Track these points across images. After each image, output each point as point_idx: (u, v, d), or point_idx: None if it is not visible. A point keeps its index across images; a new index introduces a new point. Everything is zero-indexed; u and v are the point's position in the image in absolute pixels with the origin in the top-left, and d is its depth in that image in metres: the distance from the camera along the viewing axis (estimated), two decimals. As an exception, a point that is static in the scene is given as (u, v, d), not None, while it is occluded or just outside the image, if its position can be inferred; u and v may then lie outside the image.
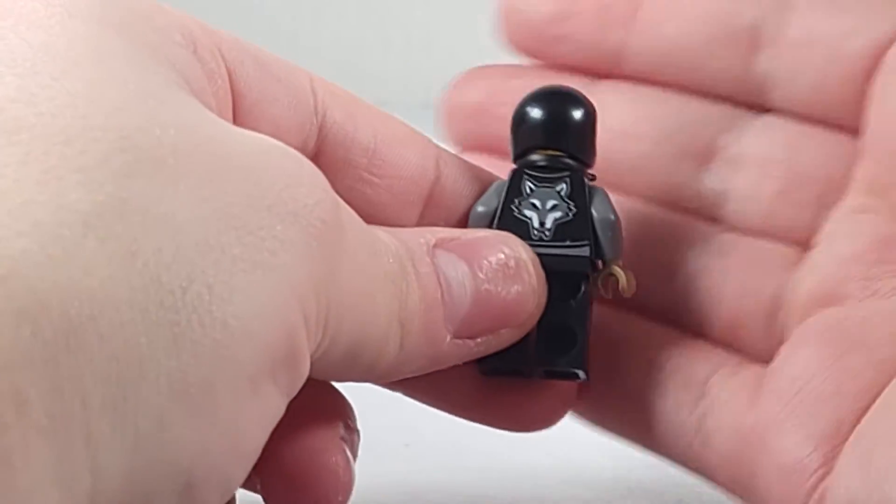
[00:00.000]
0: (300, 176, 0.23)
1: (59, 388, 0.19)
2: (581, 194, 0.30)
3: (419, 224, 0.30)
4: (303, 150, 0.27)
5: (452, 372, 0.29)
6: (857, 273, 0.29)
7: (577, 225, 0.29)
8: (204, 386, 0.20)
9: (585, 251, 0.29)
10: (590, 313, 0.30)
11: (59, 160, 0.20)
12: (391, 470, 0.32)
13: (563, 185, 0.30)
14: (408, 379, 0.29)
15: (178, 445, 0.20)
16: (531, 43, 0.33)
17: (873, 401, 0.28)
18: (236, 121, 0.26)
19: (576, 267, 0.29)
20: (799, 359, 0.29)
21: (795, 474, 0.28)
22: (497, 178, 0.31)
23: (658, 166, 0.32)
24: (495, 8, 0.34)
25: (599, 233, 0.30)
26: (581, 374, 0.30)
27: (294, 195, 0.23)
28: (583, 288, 0.30)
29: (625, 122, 0.32)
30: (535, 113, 0.30)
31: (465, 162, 0.31)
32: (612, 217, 0.30)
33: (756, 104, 0.32)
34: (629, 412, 0.31)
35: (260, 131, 0.26)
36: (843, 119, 0.31)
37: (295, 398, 0.23)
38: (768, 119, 0.32)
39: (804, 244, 0.31)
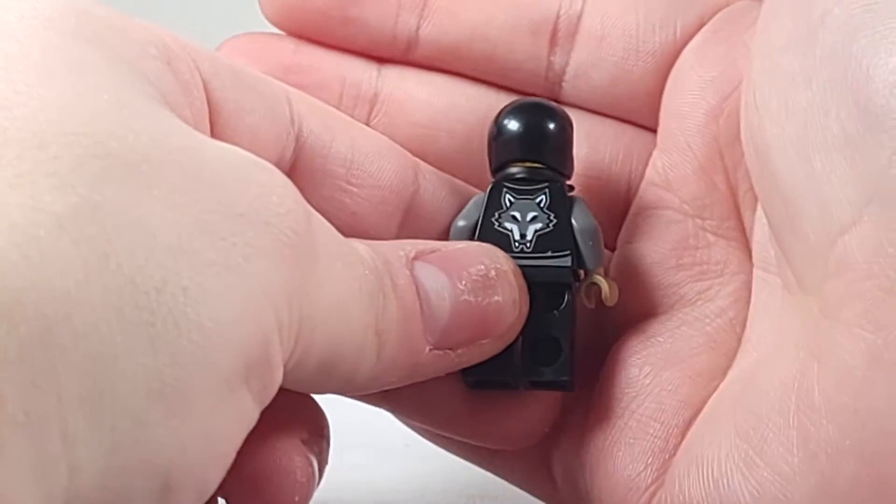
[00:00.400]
0: (271, 186, 0.23)
1: (35, 384, 0.19)
2: (561, 205, 0.30)
3: (399, 236, 0.30)
4: (280, 160, 0.28)
5: (436, 388, 0.29)
6: (661, 280, 0.30)
7: (558, 235, 0.30)
8: (180, 386, 0.20)
9: (567, 261, 0.30)
10: (574, 323, 0.30)
11: (32, 164, 0.20)
12: (391, 470, 0.32)
13: (543, 197, 0.30)
14: (393, 396, 0.30)
15: (155, 445, 0.20)
16: (313, 25, 0.32)
17: (696, 412, 0.29)
18: (214, 131, 0.27)
19: (558, 277, 0.30)
20: (619, 380, 0.30)
21: (630, 493, 0.29)
22: (476, 191, 0.31)
23: (464, 159, 0.32)
24: None
25: (580, 242, 0.30)
26: (567, 382, 0.30)
27: (265, 204, 0.23)
28: (566, 298, 0.30)
29: (429, 114, 0.32)
30: (513, 126, 0.30)
31: (443, 175, 0.31)
32: (593, 226, 0.30)
33: (552, 96, 0.32)
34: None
35: (237, 141, 0.26)
36: (639, 113, 0.32)
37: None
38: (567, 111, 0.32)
39: (610, 247, 0.31)
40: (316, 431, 0.27)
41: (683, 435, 0.29)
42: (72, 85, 0.22)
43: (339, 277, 0.25)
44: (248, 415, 0.23)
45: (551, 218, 0.30)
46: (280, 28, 0.32)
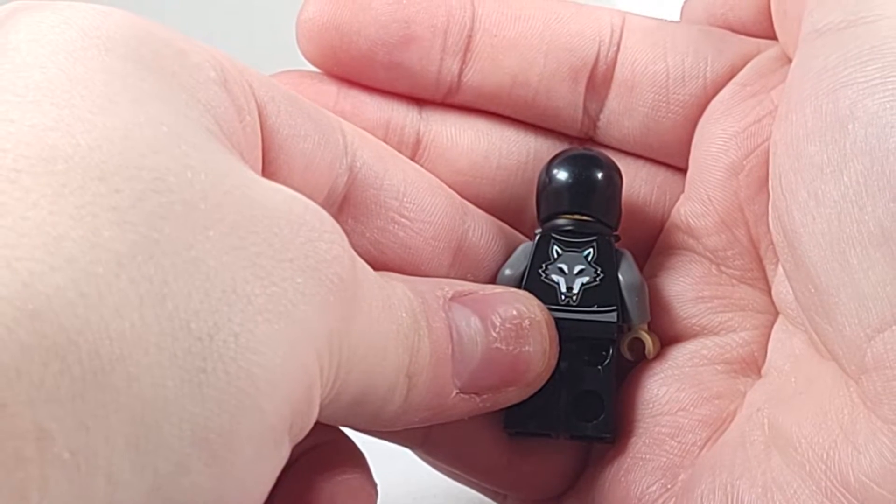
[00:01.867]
0: (321, 231, 0.23)
1: (83, 425, 0.19)
2: (608, 259, 0.30)
3: (449, 275, 0.30)
4: (333, 189, 0.28)
5: (476, 438, 0.30)
6: (682, 311, 0.31)
7: (605, 290, 0.30)
8: (226, 435, 0.20)
9: (613, 316, 0.30)
10: (615, 377, 0.30)
11: (93, 196, 0.20)
12: (391, 471, 0.32)
13: (591, 250, 0.30)
14: (431, 443, 0.30)
15: (194, 491, 0.20)
16: (356, 68, 0.31)
17: (714, 433, 0.29)
18: (268, 156, 0.27)
19: (603, 333, 0.30)
20: (636, 401, 0.30)
21: None
22: (523, 238, 0.31)
23: (504, 203, 0.32)
24: (294, 25, 0.31)
25: (626, 297, 0.30)
26: (610, 439, 0.30)
27: (315, 249, 0.23)
28: (611, 352, 0.30)
29: (470, 160, 0.32)
30: (562, 177, 0.30)
31: (491, 219, 0.32)
32: (639, 282, 0.30)
33: (587, 138, 0.32)
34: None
35: (291, 167, 0.27)
36: (671, 158, 0.32)
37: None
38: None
39: None
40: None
41: (700, 453, 0.30)
42: (133, 115, 0.22)
43: (377, 321, 0.25)
44: (284, 458, 0.23)
45: (598, 272, 0.30)
46: (320, 69, 0.32)
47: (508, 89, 0.32)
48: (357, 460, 0.28)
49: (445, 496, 0.34)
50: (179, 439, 0.20)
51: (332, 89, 0.31)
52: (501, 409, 0.30)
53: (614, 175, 0.31)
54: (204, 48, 0.25)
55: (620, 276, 0.30)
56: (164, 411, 0.20)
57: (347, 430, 0.29)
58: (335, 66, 0.31)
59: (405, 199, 0.29)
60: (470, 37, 0.32)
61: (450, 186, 0.31)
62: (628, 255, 0.31)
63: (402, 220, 0.29)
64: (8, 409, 0.18)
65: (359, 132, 0.30)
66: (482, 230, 0.31)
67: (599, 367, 0.30)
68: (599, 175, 0.30)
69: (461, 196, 0.32)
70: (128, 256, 0.20)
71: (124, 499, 0.19)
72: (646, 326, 0.31)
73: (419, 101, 0.32)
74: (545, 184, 0.31)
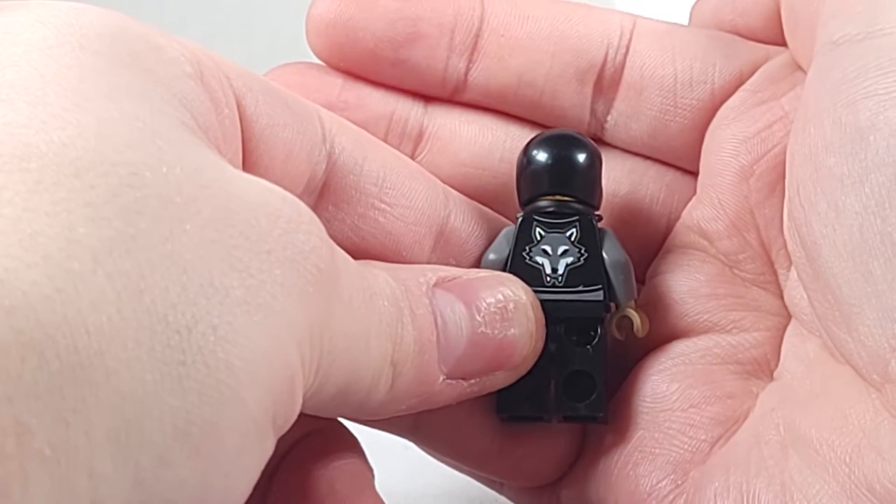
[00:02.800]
0: (298, 222, 0.23)
1: (63, 420, 0.19)
2: (591, 238, 0.30)
3: (430, 261, 0.30)
4: (312, 176, 0.28)
5: (467, 426, 0.30)
6: (693, 307, 0.31)
7: (590, 269, 0.30)
8: (207, 427, 0.20)
9: (599, 295, 0.30)
10: (606, 356, 0.30)
11: (68, 192, 0.20)
12: (391, 471, 0.32)
13: (573, 230, 0.30)
14: (422, 431, 0.30)
15: (178, 485, 0.20)
16: (362, 64, 0.32)
17: (727, 431, 0.29)
18: (248, 147, 0.27)
19: (591, 312, 0.30)
20: (645, 396, 0.30)
21: (650, 499, 0.29)
22: (506, 223, 0.31)
23: (507, 197, 0.32)
24: (305, 21, 0.32)
25: (612, 276, 0.30)
26: (602, 417, 0.30)
27: (292, 241, 0.23)
28: (599, 332, 0.30)
29: (473, 152, 0.32)
30: (542, 158, 0.30)
31: (473, 203, 0.32)
32: (624, 260, 0.30)
33: (595, 138, 0.32)
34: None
35: (271, 157, 0.27)
36: (679, 160, 0.32)
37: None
38: (609, 152, 0.32)
39: (639, 280, 0.32)
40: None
41: (711, 450, 0.29)
42: (107, 111, 0.22)
43: (359, 311, 0.25)
44: (269, 450, 0.23)
45: (582, 252, 0.30)
46: (328, 64, 0.32)
47: (515, 89, 0.32)
48: (351, 445, 0.28)
49: (446, 497, 0.34)
50: (161, 433, 0.20)
51: (336, 81, 0.32)
52: (492, 396, 0.30)
53: (593, 154, 0.31)
54: (180, 42, 0.25)
55: (605, 255, 0.30)
56: (145, 405, 0.19)
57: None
58: (343, 62, 0.31)
59: (385, 185, 0.29)
60: (477, 36, 0.32)
61: (452, 178, 0.32)
62: (611, 233, 0.30)
63: (383, 205, 0.29)
64: None
65: (337, 119, 0.30)
66: (464, 215, 0.31)
67: (589, 346, 0.30)
68: (578, 154, 0.30)
69: (464, 187, 0.32)
70: (104, 252, 0.20)
71: (106, 493, 0.19)
72: (633, 304, 0.31)
73: (425, 97, 0.32)
74: (524, 166, 0.31)
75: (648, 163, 0.32)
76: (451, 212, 0.31)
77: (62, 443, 0.19)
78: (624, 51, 0.32)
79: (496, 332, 0.28)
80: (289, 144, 0.28)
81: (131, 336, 0.20)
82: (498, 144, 0.32)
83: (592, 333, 0.30)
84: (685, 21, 0.34)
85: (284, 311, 0.22)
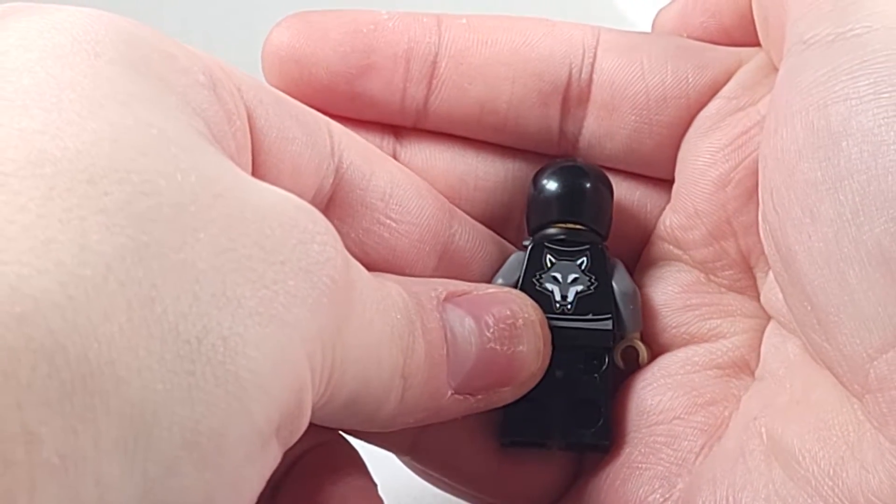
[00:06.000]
0: (313, 232, 0.23)
1: (72, 428, 0.18)
2: (601, 267, 0.30)
3: (434, 277, 0.30)
4: (320, 189, 0.28)
5: (465, 447, 0.30)
6: (670, 320, 0.31)
7: (599, 298, 0.30)
8: (215, 437, 0.20)
9: (608, 324, 0.30)
10: (611, 384, 0.30)
11: (81, 199, 0.20)
12: (391, 471, 0.32)
13: (584, 259, 0.30)
14: (421, 450, 0.30)
15: (184, 494, 0.20)
16: (318, 99, 0.31)
17: (711, 439, 0.29)
18: (258, 159, 0.27)
19: (599, 341, 0.30)
20: (630, 412, 0.30)
21: None
22: (510, 247, 0.31)
23: (485, 223, 0.32)
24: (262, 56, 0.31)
25: (621, 306, 0.30)
26: (606, 447, 0.30)
27: (307, 251, 0.23)
28: (607, 360, 0.30)
29: (448, 183, 0.32)
30: (554, 186, 0.30)
31: (479, 225, 0.31)
32: (633, 290, 0.30)
33: (567, 156, 0.32)
34: None
35: (280, 169, 0.27)
36: (653, 171, 0.32)
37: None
38: None
39: None
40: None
41: (696, 460, 0.29)
42: (122, 118, 0.22)
43: (372, 322, 0.25)
44: (274, 461, 0.23)
45: (592, 280, 0.30)
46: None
47: (478, 116, 0.31)
48: (356, 461, 0.28)
49: (446, 497, 0.34)
50: (169, 442, 0.20)
51: None
52: (493, 419, 0.30)
53: (604, 183, 0.31)
54: (192, 52, 0.25)
55: (615, 285, 0.30)
56: (154, 414, 0.19)
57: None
58: (301, 97, 0.30)
59: (391, 201, 0.29)
60: (434, 64, 0.31)
61: None
62: (620, 263, 0.31)
63: (388, 221, 0.29)
64: None
65: (346, 132, 0.30)
66: (469, 235, 0.31)
67: (596, 375, 0.30)
68: (590, 184, 0.30)
69: None
70: (116, 259, 0.20)
71: (113, 502, 0.19)
72: (638, 335, 0.31)
73: (394, 127, 0.32)
74: (536, 194, 0.31)
75: (622, 175, 0.32)
76: (455, 231, 0.31)
77: (71, 451, 0.18)
78: (589, 69, 0.31)
79: (505, 347, 0.28)
80: (297, 158, 0.28)
81: (142, 345, 0.19)
82: (471, 173, 0.32)
83: (599, 362, 0.30)
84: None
85: (297, 322, 0.22)
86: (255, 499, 0.22)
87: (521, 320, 0.29)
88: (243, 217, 0.22)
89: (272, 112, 0.27)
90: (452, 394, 0.27)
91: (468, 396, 0.28)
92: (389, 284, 0.27)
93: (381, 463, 0.30)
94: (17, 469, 0.18)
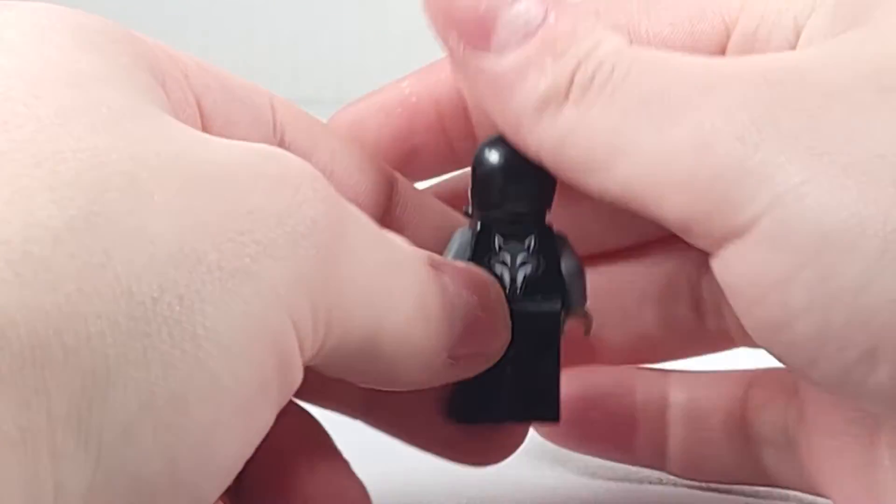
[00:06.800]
0: (284, 177, 0.23)
1: (26, 402, 0.18)
2: (549, 248, 0.30)
3: None
4: None
5: (416, 411, 0.30)
6: None
7: (548, 279, 0.30)
8: (173, 399, 0.20)
9: (557, 305, 0.30)
10: (560, 360, 0.30)
11: (30, 180, 0.20)
12: (391, 471, 0.32)
13: (531, 239, 0.30)
14: (374, 413, 0.30)
15: (142, 459, 0.20)
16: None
17: None
18: None
19: (548, 322, 0.30)
20: None
21: None
22: (456, 215, 0.31)
23: None
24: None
25: (569, 284, 0.30)
26: (556, 421, 0.30)
27: (278, 197, 0.22)
28: (556, 340, 0.30)
29: None
30: (497, 168, 0.29)
31: (425, 195, 0.32)
32: (579, 267, 0.30)
33: None
34: None
35: None
36: None
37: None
38: None
39: None
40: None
41: None
42: (71, 100, 0.22)
43: (379, 269, 0.25)
44: (261, 422, 0.22)
45: (540, 261, 0.30)
46: None
47: None
48: (322, 434, 0.28)
49: (447, 495, 0.34)
50: (124, 407, 0.19)
51: None
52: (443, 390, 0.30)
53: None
54: (141, 39, 0.25)
55: (562, 263, 0.30)
56: (107, 380, 0.19)
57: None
58: None
59: (332, 177, 0.29)
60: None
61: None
62: (566, 241, 0.30)
63: None
64: None
65: (290, 108, 0.29)
66: (413, 208, 0.31)
67: (545, 353, 0.30)
68: (531, 163, 0.29)
69: None
70: (66, 231, 0.20)
71: (69, 472, 0.19)
72: (585, 308, 0.31)
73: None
74: (479, 176, 0.30)
75: None
76: (397, 204, 0.30)
77: (26, 424, 0.18)
78: None
79: (487, 315, 0.28)
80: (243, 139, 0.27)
81: (92, 311, 0.19)
82: None
83: (549, 340, 0.30)
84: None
85: (266, 272, 0.21)
86: (238, 465, 0.22)
87: (494, 292, 0.29)
88: (202, 175, 0.22)
89: (219, 98, 0.27)
90: (446, 357, 0.27)
91: (455, 362, 0.27)
92: (392, 235, 0.26)
93: (380, 461, 0.30)
94: None
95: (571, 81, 0.26)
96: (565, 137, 0.26)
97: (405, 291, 0.25)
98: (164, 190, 0.21)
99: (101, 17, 0.25)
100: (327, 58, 0.80)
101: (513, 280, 0.30)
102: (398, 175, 0.31)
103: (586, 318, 0.31)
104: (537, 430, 0.34)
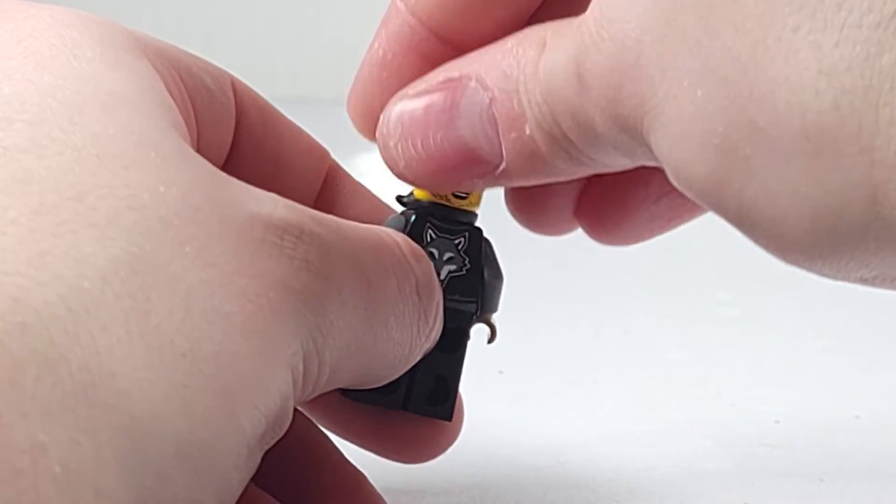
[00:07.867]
0: (281, 246, 0.23)
1: (75, 440, 0.19)
2: (476, 251, 0.30)
3: None
4: (221, 155, 0.29)
5: (350, 406, 0.30)
6: None
7: (469, 281, 0.30)
8: (206, 449, 0.20)
9: (472, 308, 0.30)
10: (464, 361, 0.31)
11: (71, 214, 0.20)
12: (392, 471, 0.32)
13: (462, 240, 0.30)
14: (313, 407, 0.30)
15: (173, 501, 0.20)
16: None
17: None
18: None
19: (461, 322, 0.30)
20: None
21: None
22: (389, 206, 0.31)
23: None
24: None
25: (487, 291, 0.30)
26: (448, 420, 0.30)
27: (281, 262, 0.23)
28: (464, 342, 0.30)
29: None
30: None
31: (356, 180, 0.32)
32: (501, 278, 0.31)
33: None
34: None
35: (201, 148, 0.27)
36: None
37: None
38: None
39: None
40: None
41: None
42: (104, 126, 0.22)
43: (366, 295, 0.25)
44: (255, 466, 0.23)
45: (466, 262, 0.30)
46: None
47: None
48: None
49: (447, 494, 0.34)
50: (164, 454, 0.20)
51: None
52: None
53: None
54: (158, 46, 0.26)
55: (485, 269, 0.30)
56: (151, 426, 0.20)
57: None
58: None
59: (280, 164, 0.30)
60: None
61: None
62: (491, 247, 0.31)
63: (276, 185, 0.29)
64: (3, 420, 0.18)
65: (248, 92, 0.30)
66: (348, 194, 0.31)
67: (452, 353, 0.30)
68: None
69: None
70: (111, 272, 0.20)
71: None
72: (492, 316, 0.31)
73: None
74: None
75: None
76: (334, 188, 0.31)
77: (72, 462, 0.19)
78: None
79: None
80: (213, 131, 0.28)
81: (140, 357, 0.20)
82: None
83: (458, 342, 0.30)
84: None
85: (279, 334, 0.22)
86: (235, 499, 0.23)
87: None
88: (221, 232, 0.22)
89: (200, 96, 0.27)
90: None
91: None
92: (382, 232, 0.27)
93: (380, 461, 0.31)
94: (21, 478, 0.18)
95: None
96: None
97: (400, 320, 0.27)
98: (192, 241, 0.21)
99: (123, 26, 0.25)
100: (327, 58, 0.80)
101: (437, 274, 0.29)
102: (337, 163, 0.32)
103: (492, 327, 0.31)
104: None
